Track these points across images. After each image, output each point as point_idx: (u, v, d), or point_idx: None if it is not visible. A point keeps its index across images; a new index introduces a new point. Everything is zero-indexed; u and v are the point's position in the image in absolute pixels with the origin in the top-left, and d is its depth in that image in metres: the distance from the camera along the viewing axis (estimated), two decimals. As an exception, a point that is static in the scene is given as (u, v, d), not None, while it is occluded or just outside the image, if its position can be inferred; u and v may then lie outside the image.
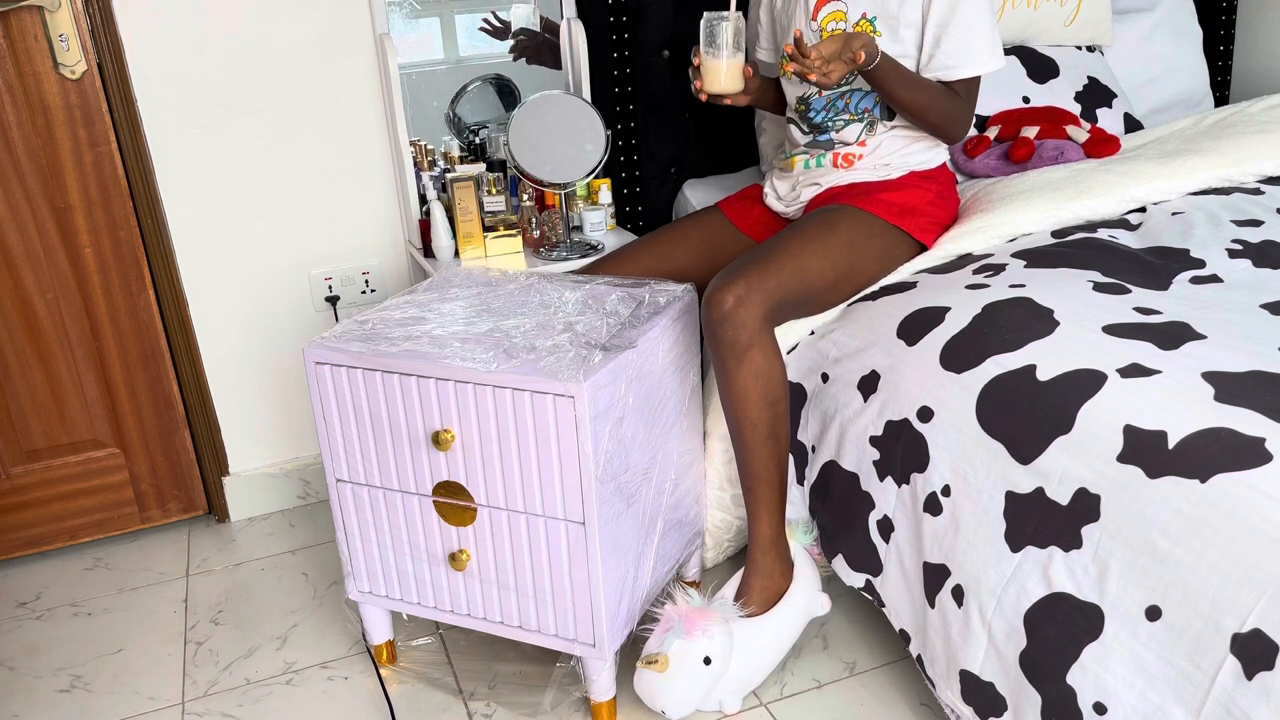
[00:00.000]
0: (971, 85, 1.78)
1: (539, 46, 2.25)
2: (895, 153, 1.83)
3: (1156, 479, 1.19)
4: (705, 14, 1.62)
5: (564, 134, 2.01)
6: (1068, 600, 1.26)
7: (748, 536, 1.69)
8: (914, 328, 1.59)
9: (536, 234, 2.14)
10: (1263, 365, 1.28)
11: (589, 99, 2.20)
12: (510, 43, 2.24)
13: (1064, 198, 1.85)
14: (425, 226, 2.11)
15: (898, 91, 1.71)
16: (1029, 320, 1.48)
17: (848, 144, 1.84)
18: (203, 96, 2.05)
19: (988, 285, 1.60)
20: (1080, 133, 2.14)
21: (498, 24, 2.21)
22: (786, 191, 1.92)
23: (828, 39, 1.61)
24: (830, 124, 1.84)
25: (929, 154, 1.84)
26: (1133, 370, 1.32)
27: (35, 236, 2.03)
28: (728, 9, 1.61)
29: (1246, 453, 1.15)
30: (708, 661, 1.54)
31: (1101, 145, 2.12)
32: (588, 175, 2.05)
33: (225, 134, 2.09)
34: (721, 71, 1.65)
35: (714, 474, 1.82)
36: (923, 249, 1.82)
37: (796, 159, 1.89)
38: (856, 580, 1.64)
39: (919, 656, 1.52)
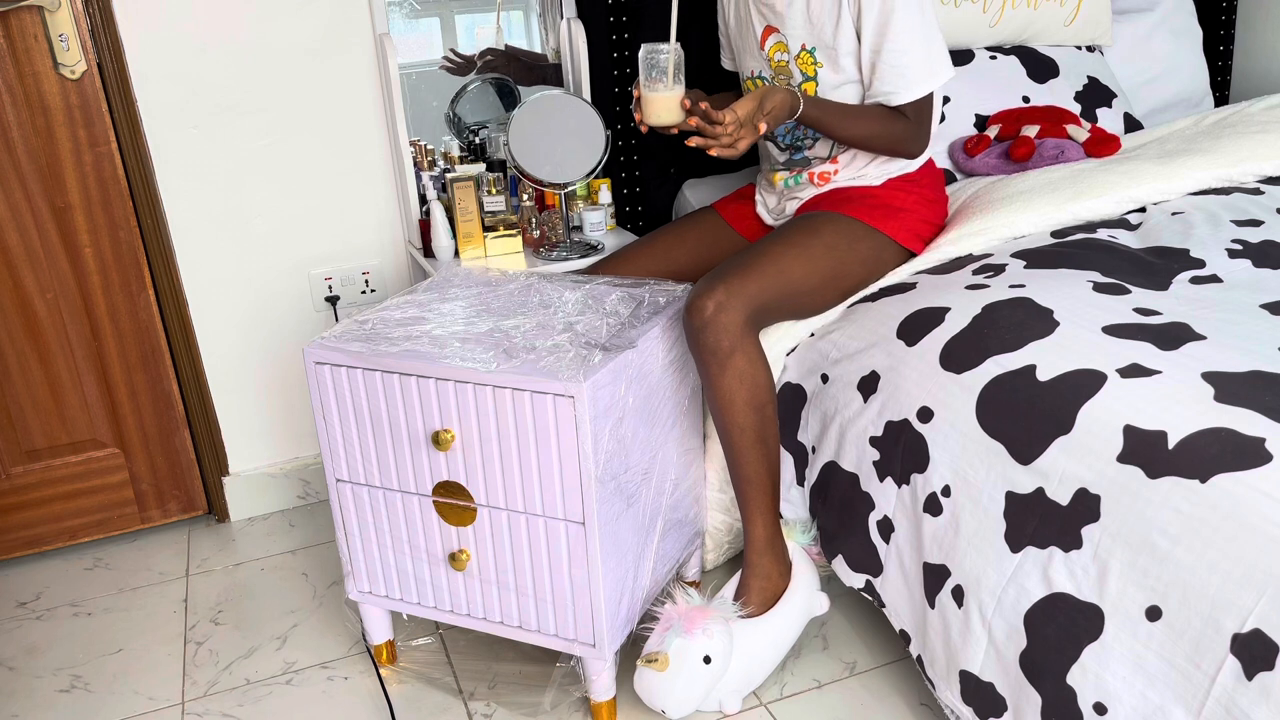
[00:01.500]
0: (919, 105, 1.73)
1: (506, 64, 2.25)
2: (870, 163, 1.81)
3: (1156, 479, 1.19)
4: (644, 46, 1.59)
5: (564, 134, 2.01)
6: (1068, 600, 1.26)
7: (743, 539, 1.69)
8: (914, 328, 1.59)
9: (536, 234, 2.14)
10: (1263, 365, 1.28)
11: (589, 99, 2.19)
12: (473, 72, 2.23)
13: (1064, 198, 1.84)
14: (425, 226, 2.11)
15: (835, 131, 1.70)
16: (1029, 320, 1.48)
17: (822, 159, 1.83)
18: (203, 97, 2.05)
19: (987, 286, 1.60)
20: (1080, 132, 2.14)
21: (459, 60, 2.21)
22: (774, 204, 1.93)
23: (745, 98, 1.58)
24: (800, 143, 1.84)
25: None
26: (1133, 370, 1.32)
27: (35, 236, 2.03)
28: (667, 41, 1.60)
29: (1246, 453, 1.15)
30: (708, 660, 1.54)
31: (1101, 145, 2.12)
32: (588, 175, 2.05)
33: (225, 134, 2.09)
34: (662, 104, 1.64)
35: (714, 475, 1.81)
36: (911, 255, 1.81)
37: (778, 175, 1.89)
38: (856, 581, 1.64)
39: (919, 657, 1.52)
